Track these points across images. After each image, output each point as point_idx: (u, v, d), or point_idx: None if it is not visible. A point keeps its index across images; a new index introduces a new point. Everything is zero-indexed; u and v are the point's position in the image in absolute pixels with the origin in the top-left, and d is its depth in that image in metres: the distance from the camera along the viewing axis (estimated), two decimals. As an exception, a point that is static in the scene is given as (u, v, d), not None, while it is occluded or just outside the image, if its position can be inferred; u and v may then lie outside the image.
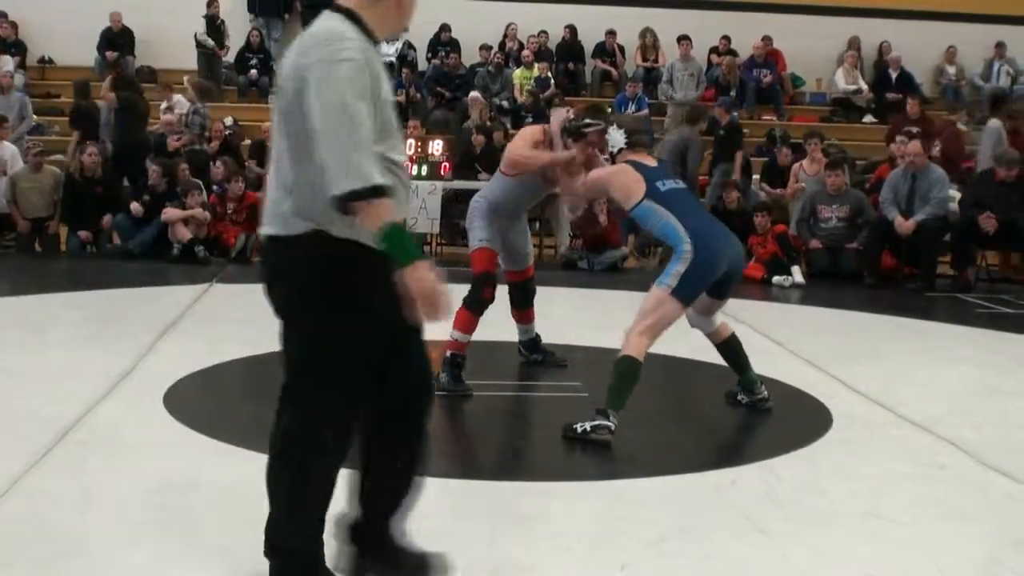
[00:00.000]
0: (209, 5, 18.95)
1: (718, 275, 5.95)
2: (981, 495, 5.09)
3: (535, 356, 7.67)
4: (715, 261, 5.90)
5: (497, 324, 9.39)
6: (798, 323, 9.89)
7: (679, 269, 5.83)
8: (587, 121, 6.64)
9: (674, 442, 6.02)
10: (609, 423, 5.63)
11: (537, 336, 7.71)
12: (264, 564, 3.70)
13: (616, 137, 6.46)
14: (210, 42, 18.73)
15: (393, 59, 18.01)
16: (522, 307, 7.55)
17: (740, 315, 9.75)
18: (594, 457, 5.61)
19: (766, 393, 6.46)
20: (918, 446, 5.84)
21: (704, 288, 5.98)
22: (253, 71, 18.47)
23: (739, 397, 6.54)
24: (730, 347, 6.53)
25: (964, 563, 4.26)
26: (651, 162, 6.35)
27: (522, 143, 6.93)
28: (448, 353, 6.76)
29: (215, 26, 18.76)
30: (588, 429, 5.64)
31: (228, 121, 16.22)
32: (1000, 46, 19.75)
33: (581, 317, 10.19)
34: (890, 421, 6.37)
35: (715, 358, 6.92)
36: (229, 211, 13.06)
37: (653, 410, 6.80)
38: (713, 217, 6.72)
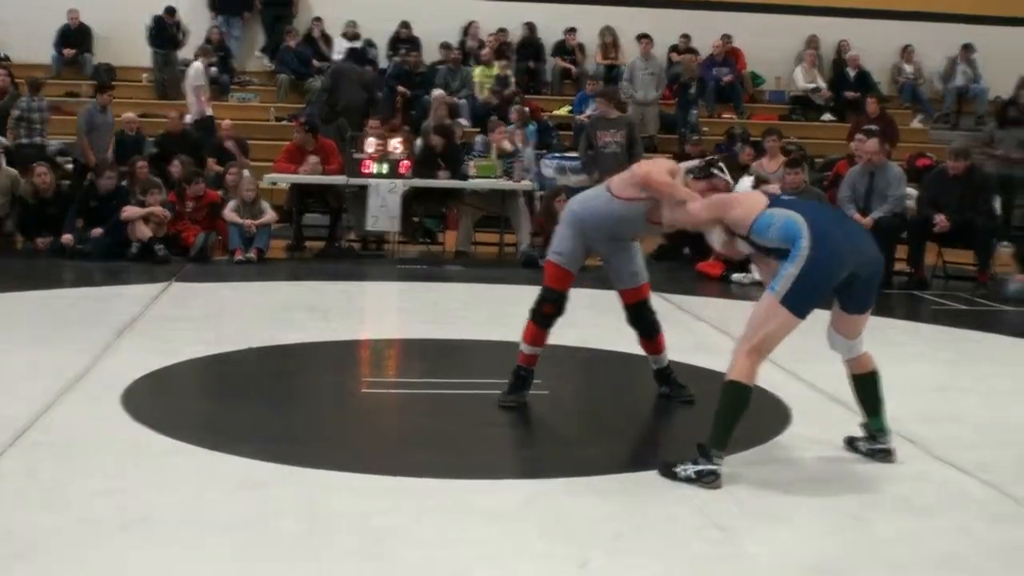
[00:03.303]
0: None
1: (840, 277, 5.15)
2: (935, 490, 5.13)
3: (663, 389, 6.74)
4: (835, 260, 5.10)
5: (460, 323, 9.41)
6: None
7: (791, 271, 5.06)
8: (719, 164, 5.92)
9: (633, 439, 6.03)
10: (714, 466, 4.98)
11: (667, 368, 6.75)
12: (229, 564, 3.68)
13: (745, 184, 6.11)
14: None
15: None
16: (644, 335, 6.64)
17: (700, 313, 9.80)
18: (552, 455, 5.61)
19: (892, 445, 5.57)
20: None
21: (822, 294, 5.23)
22: (213, 69, 18.36)
23: (858, 444, 5.65)
24: (869, 384, 5.58)
25: (919, 557, 4.29)
26: None
27: (659, 169, 6.02)
28: (516, 367, 6.51)
29: (168, 25, 18.61)
30: (693, 476, 4.98)
31: (188, 119, 16.15)
32: (967, 47, 19.87)
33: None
34: (847, 418, 6.38)
35: (677, 355, 6.93)
36: (189, 209, 12.98)
37: (613, 407, 6.83)
38: (848, 217, 6.15)
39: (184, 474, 5.02)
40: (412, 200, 13.81)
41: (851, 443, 5.69)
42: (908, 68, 20.21)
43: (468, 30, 19.69)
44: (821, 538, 4.45)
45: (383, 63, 19.30)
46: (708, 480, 4.94)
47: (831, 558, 4.23)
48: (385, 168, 13.50)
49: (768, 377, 7.21)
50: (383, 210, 13.28)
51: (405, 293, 11.51)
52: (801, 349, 8.19)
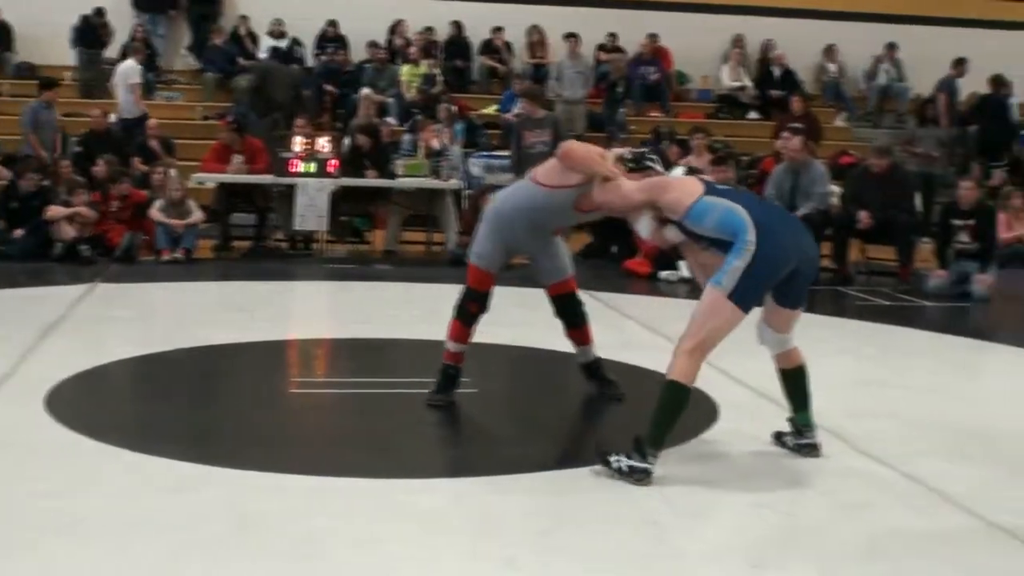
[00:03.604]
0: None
1: (785, 272, 5.14)
2: (860, 483, 5.19)
3: (592, 385, 6.71)
4: (782, 255, 5.09)
5: (388, 322, 9.39)
6: (685, 317, 9.96)
7: (738, 264, 5.00)
8: (651, 155, 5.82)
9: (562, 437, 6.06)
10: (648, 465, 4.95)
11: (596, 360, 6.72)
12: (158, 567, 3.66)
13: (678, 173, 5.92)
14: None
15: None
16: (570, 324, 6.60)
17: (627, 311, 9.85)
18: (481, 453, 5.62)
19: (818, 440, 5.59)
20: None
21: (767, 289, 5.20)
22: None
23: (785, 439, 5.67)
24: (797, 379, 5.61)
25: (846, 550, 4.34)
26: None
27: (584, 147, 6.01)
28: (443, 364, 6.46)
29: (95, 25, 18.41)
30: (625, 470, 4.96)
31: (112, 118, 15.99)
32: (892, 47, 20.13)
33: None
34: (774, 413, 6.44)
35: (605, 352, 6.95)
36: (113, 209, 12.85)
37: (540, 404, 6.85)
38: (784, 209, 6.02)
39: (111, 476, 4.97)
40: (340, 199, 13.77)
41: (778, 438, 5.71)
42: (832, 67, 20.44)
43: (395, 29, 19.64)
44: (750, 533, 4.49)
45: (310, 62, 19.21)
46: (639, 477, 4.92)
47: (760, 552, 4.27)
48: (313, 167, 13.45)
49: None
50: (311, 209, 13.23)
51: (333, 292, 11.47)
52: (728, 344, 8.28)
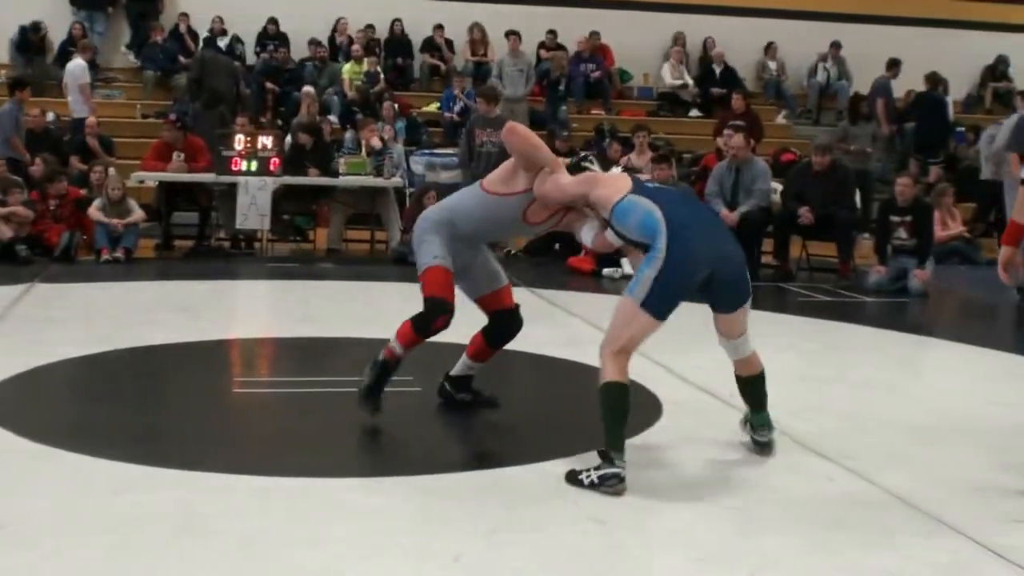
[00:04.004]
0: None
1: (697, 277, 5.07)
2: (802, 478, 5.23)
3: (462, 396, 6.35)
4: (690, 260, 5.01)
5: (332, 321, 9.36)
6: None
7: (648, 273, 4.98)
8: (589, 157, 5.74)
9: (504, 434, 6.05)
10: (616, 469, 4.86)
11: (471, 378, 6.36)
12: (99, 569, 3.62)
13: (615, 172, 5.90)
14: None
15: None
16: (501, 342, 6.20)
17: (572, 308, 9.87)
18: (425, 452, 5.61)
19: (771, 439, 5.58)
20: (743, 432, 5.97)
21: (681, 295, 5.08)
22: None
23: (746, 430, 5.70)
24: (756, 386, 5.57)
25: (791, 547, 4.37)
26: None
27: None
28: (380, 356, 5.90)
29: (32, 40, 18.25)
30: (596, 481, 4.85)
31: (50, 117, 15.83)
32: (836, 45, 20.31)
33: (413, 311, 10.16)
34: (718, 408, 6.50)
35: (550, 350, 6.99)
36: (52, 208, 12.72)
37: (485, 402, 6.84)
38: (710, 212, 5.76)
39: (51, 479, 4.92)
40: (282, 198, 13.72)
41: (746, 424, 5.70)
42: (772, 65, 20.61)
43: (336, 26, 19.58)
44: (696, 529, 4.51)
45: (251, 59, 19.11)
46: (611, 484, 4.83)
47: (706, 549, 4.29)
48: (254, 165, 13.39)
49: (638, 370, 7.29)
50: (253, 208, 13.17)
51: (276, 291, 11.42)
52: (671, 341, 8.32)
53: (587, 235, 5.66)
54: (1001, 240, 5.74)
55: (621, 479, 4.84)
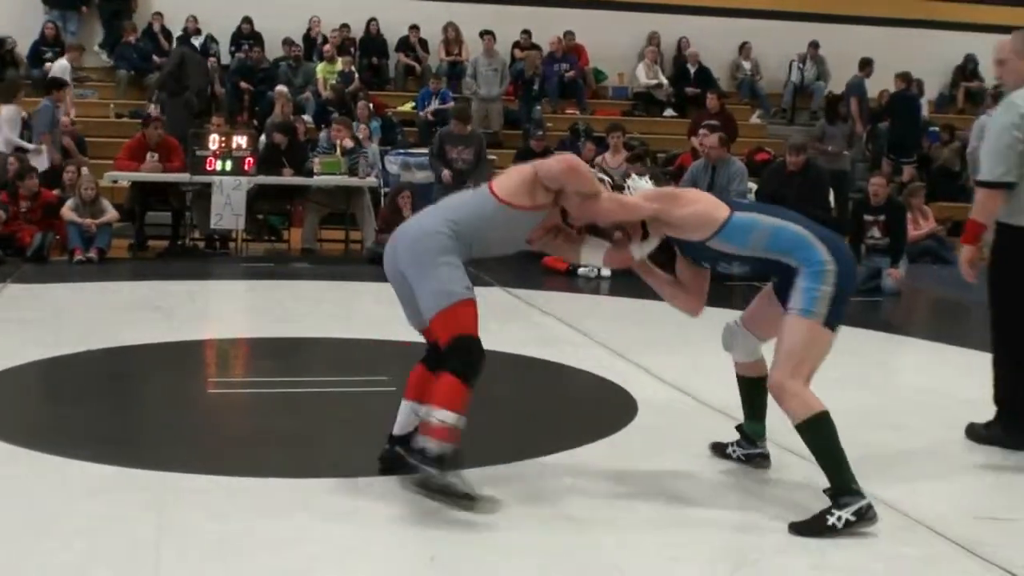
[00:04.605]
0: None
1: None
2: (776, 477, 5.25)
3: (406, 452, 4.90)
4: (853, 269, 4.82)
5: (306, 320, 9.34)
6: (604, 314, 10.05)
7: (826, 289, 4.62)
8: (635, 175, 5.16)
9: (480, 433, 6.05)
10: (864, 498, 4.48)
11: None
12: (71, 572, 3.61)
13: (641, 184, 5.03)
14: None
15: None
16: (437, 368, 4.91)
17: (546, 307, 9.88)
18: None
19: (767, 450, 5.40)
20: (719, 431, 5.98)
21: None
22: (49, 64, 17.94)
23: (730, 450, 5.43)
24: (758, 388, 5.23)
25: (763, 543, 4.39)
26: None
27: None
28: (438, 445, 4.55)
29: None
30: (852, 519, 4.43)
31: (23, 115, 15.72)
32: (815, 44, 20.38)
33: (387, 311, 10.15)
34: (692, 407, 6.52)
35: (526, 350, 6.99)
36: (23, 209, 12.65)
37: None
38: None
39: (24, 480, 4.90)
40: (257, 197, 13.69)
41: (719, 449, 5.48)
42: (746, 65, 20.66)
43: (311, 26, 19.55)
44: (671, 528, 4.52)
45: (225, 59, 19.06)
46: (870, 515, 4.45)
47: (682, 548, 4.30)
48: (229, 165, 13.35)
49: (614, 369, 7.32)
50: (227, 208, 13.12)
51: (251, 291, 11.40)
52: (648, 342, 8.35)
53: (593, 256, 5.19)
54: (962, 239, 5.79)
55: (871, 504, 4.48)
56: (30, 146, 13.97)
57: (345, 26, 19.43)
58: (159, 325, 8.77)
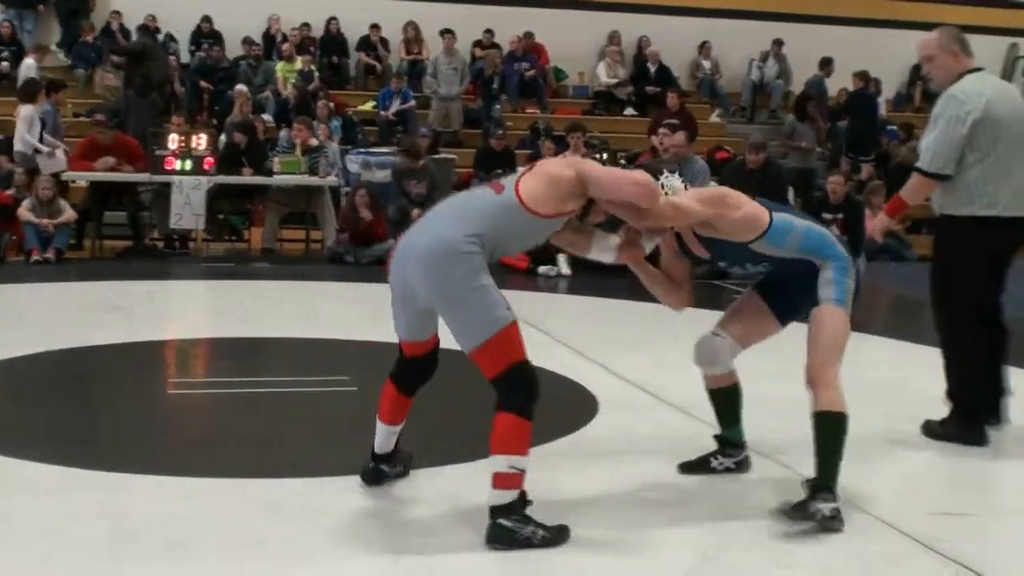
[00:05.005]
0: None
1: None
2: (737, 475, 5.26)
3: (397, 468, 5.06)
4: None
5: (267, 320, 9.31)
6: (565, 312, 10.06)
7: (851, 284, 4.80)
8: (642, 166, 4.97)
9: (442, 433, 6.05)
10: (837, 503, 4.53)
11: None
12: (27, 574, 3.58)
13: (675, 183, 4.75)
14: None
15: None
16: (411, 392, 4.99)
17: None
18: (362, 451, 5.59)
19: (748, 454, 5.33)
20: (680, 429, 6.02)
21: None
22: (5, 63, 17.81)
23: (716, 464, 5.28)
24: (732, 396, 5.27)
25: (726, 539, 4.40)
26: None
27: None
28: (506, 494, 4.25)
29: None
30: (829, 514, 4.46)
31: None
32: (779, 43, 20.48)
33: (348, 311, 10.16)
34: (653, 405, 6.54)
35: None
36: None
37: (423, 402, 6.83)
38: None
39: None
40: (217, 197, 13.63)
41: (703, 466, 5.28)
42: (706, 64, 20.73)
43: (270, 25, 19.48)
44: (632, 525, 4.53)
45: (185, 58, 18.96)
46: (840, 519, 4.50)
47: (643, 545, 4.31)
48: (189, 165, 13.29)
49: (575, 367, 7.33)
50: (187, 208, 13.07)
51: (211, 291, 11.35)
52: (610, 341, 8.37)
53: (602, 251, 4.93)
54: (885, 210, 6.07)
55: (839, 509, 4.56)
56: (45, 148, 13.89)
57: (305, 25, 19.37)
58: (119, 325, 8.72)
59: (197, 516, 4.47)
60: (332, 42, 19.63)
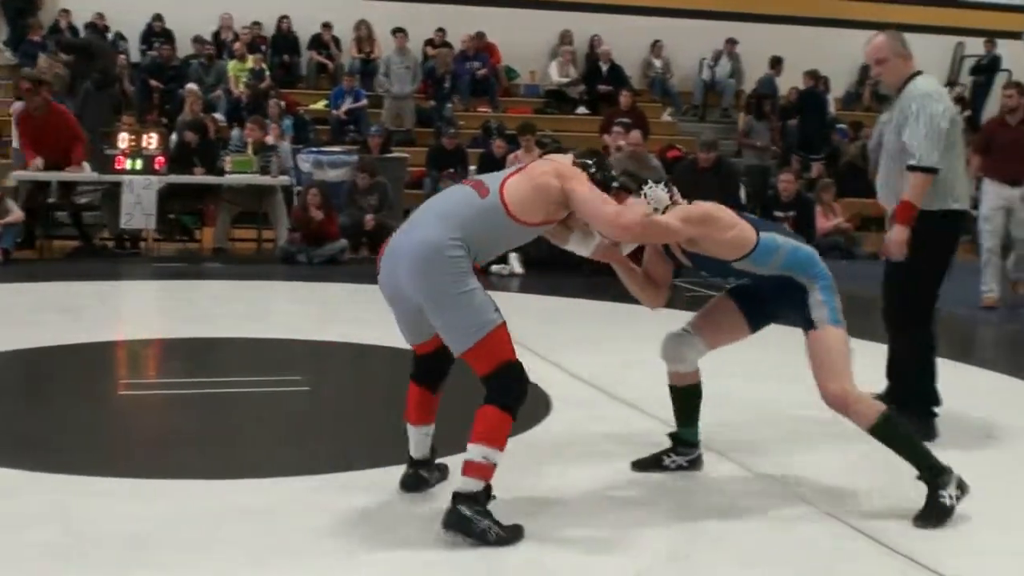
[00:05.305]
0: None
1: None
2: (690, 470, 5.29)
3: (435, 475, 5.02)
4: None
5: (219, 320, 9.26)
6: (516, 311, 10.02)
7: (837, 302, 4.84)
8: (627, 173, 4.78)
9: (394, 432, 6.05)
10: (954, 476, 4.66)
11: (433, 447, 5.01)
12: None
13: (659, 195, 4.71)
14: None
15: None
16: (433, 388, 4.93)
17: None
18: (316, 452, 5.59)
19: (700, 452, 5.34)
20: (634, 427, 6.03)
21: None
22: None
23: (668, 462, 5.28)
24: (694, 394, 5.30)
25: (678, 537, 4.42)
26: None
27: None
28: (474, 483, 4.31)
29: None
30: (958, 494, 4.63)
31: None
32: (732, 42, 20.59)
33: (301, 310, 10.14)
34: (607, 404, 6.56)
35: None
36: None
37: (375, 402, 6.84)
38: None
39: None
40: (168, 197, 13.55)
41: (656, 463, 5.30)
42: (658, 63, 20.81)
43: (222, 24, 19.39)
44: (587, 524, 4.54)
45: (135, 57, 18.83)
46: (965, 485, 4.65)
47: (598, 544, 4.32)
48: (139, 164, 13.21)
49: (528, 366, 7.32)
50: (138, 207, 12.99)
51: (162, 292, 11.28)
52: (564, 341, 8.39)
53: (581, 245, 4.88)
54: (898, 220, 5.91)
55: (959, 475, 4.67)
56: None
57: (257, 23, 19.29)
58: (68, 326, 8.65)
59: (152, 518, 4.45)
60: (283, 41, 19.56)
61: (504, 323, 4.42)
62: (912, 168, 5.86)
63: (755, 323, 5.12)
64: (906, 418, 4.99)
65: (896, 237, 5.92)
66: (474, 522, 4.22)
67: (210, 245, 14.01)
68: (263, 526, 4.41)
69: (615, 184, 4.68)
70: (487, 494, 4.32)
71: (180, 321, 9.37)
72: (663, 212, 4.70)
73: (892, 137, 6.03)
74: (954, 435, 5.91)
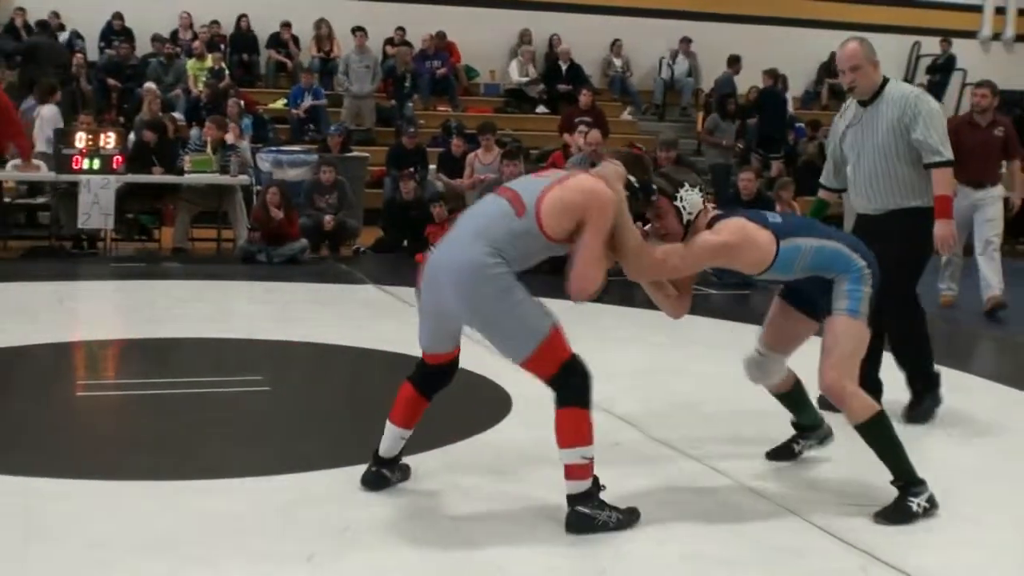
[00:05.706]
0: None
1: None
2: (650, 469, 5.31)
3: (396, 475, 4.97)
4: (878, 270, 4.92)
5: (178, 321, 9.22)
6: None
7: (867, 291, 4.80)
8: (664, 176, 4.95)
9: (355, 433, 6.05)
10: (928, 491, 4.70)
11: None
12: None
13: (694, 199, 4.82)
14: None
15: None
16: (429, 395, 4.94)
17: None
18: (275, 452, 5.58)
19: (827, 426, 5.47)
20: (594, 425, 6.03)
21: None
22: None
23: (797, 448, 5.47)
24: (796, 391, 5.42)
25: (638, 535, 4.44)
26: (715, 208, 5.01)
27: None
28: (581, 484, 4.45)
29: None
30: (927, 505, 4.67)
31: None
32: (687, 40, 20.67)
33: (261, 310, 10.12)
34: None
35: (404, 348, 6.95)
36: None
37: (333, 401, 6.83)
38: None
39: None
40: (126, 196, 13.48)
41: (788, 451, 5.46)
42: (617, 62, 20.87)
43: (181, 22, 19.30)
44: (547, 524, 4.54)
45: (93, 55, 18.72)
46: (935, 504, 4.69)
47: (558, 543, 4.33)
48: (97, 163, 13.12)
49: (488, 366, 7.33)
50: (96, 207, 12.90)
51: (121, 292, 11.22)
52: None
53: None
54: (939, 216, 6.16)
55: (932, 493, 4.73)
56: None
57: (215, 22, 19.22)
58: (24, 327, 8.59)
59: (112, 519, 4.43)
60: (242, 39, 19.51)
61: (556, 324, 4.50)
62: (937, 165, 6.12)
63: (817, 315, 5.10)
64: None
65: (944, 231, 6.17)
66: (594, 517, 4.40)
67: (169, 245, 13.94)
68: (223, 527, 4.40)
69: (654, 188, 4.78)
70: (596, 486, 4.48)
71: (139, 321, 9.33)
72: (696, 217, 4.80)
73: (888, 138, 6.20)
74: (915, 434, 5.95)
